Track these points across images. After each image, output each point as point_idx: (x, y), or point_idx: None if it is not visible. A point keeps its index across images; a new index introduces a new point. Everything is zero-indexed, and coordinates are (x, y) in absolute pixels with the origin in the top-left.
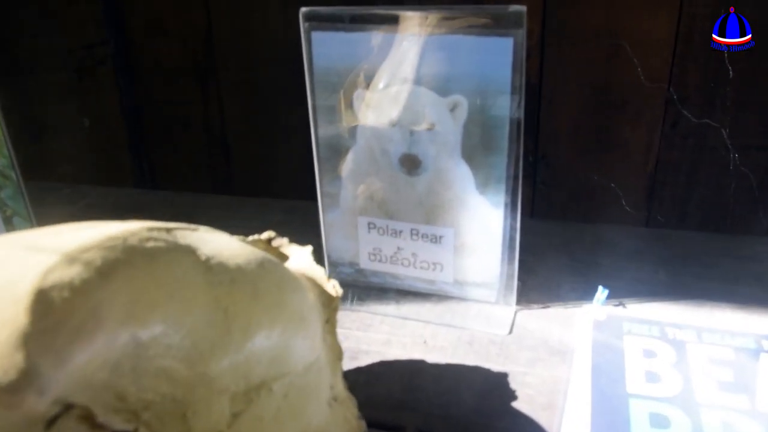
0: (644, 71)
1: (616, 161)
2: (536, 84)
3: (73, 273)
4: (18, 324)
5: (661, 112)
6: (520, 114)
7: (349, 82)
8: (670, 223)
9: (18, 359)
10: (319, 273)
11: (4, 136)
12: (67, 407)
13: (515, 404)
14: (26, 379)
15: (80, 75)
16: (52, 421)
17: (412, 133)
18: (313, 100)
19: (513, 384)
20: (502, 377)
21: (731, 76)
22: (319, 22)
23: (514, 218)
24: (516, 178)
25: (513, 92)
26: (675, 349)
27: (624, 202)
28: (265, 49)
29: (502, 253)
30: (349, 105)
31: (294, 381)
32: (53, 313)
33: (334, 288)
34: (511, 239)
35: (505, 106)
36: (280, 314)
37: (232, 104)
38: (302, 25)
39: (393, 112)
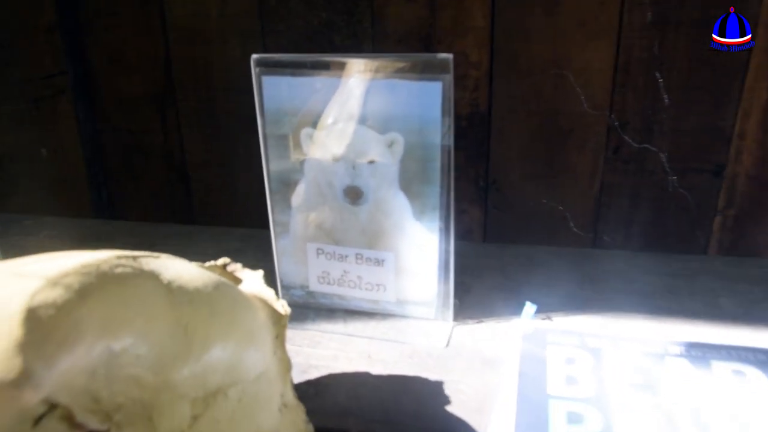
0: (587, 100)
1: (563, 185)
2: (486, 113)
3: (55, 294)
4: (13, 336)
5: (604, 138)
6: (451, 148)
7: (298, 121)
8: (615, 244)
9: (17, 363)
10: (269, 294)
11: None
12: (52, 407)
13: (450, 408)
14: (24, 378)
15: (38, 105)
16: (39, 419)
17: (354, 167)
18: (264, 137)
19: (448, 391)
20: (439, 385)
21: (667, 103)
22: (269, 67)
23: (447, 242)
24: (449, 206)
25: (443, 129)
26: (592, 355)
27: (572, 224)
28: (224, 78)
29: (439, 274)
30: (298, 142)
31: (246, 388)
32: (41, 327)
33: (282, 307)
34: (446, 261)
35: (437, 143)
36: (233, 330)
37: (191, 134)
38: (253, 70)
39: (337, 149)
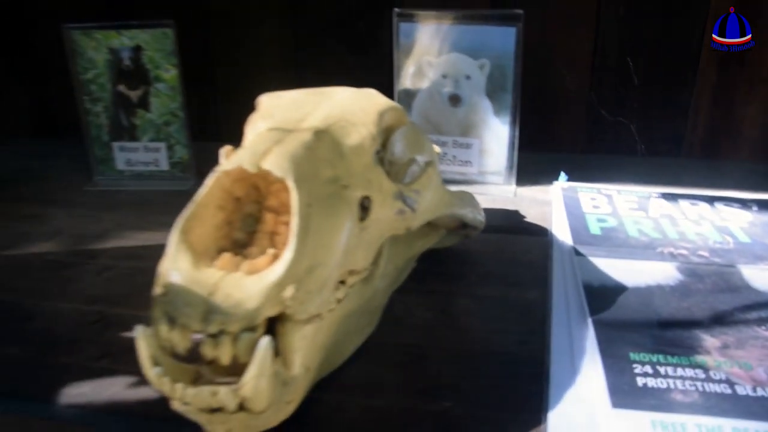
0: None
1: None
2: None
3: (394, 106)
4: (379, 107)
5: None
6: (518, 71)
7: (420, 52)
8: None
9: (380, 123)
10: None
11: (179, 85)
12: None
13: (525, 221)
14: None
15: None
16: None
17: (457, 80)
18: (398, 65)
19: (520, 214)
20: (515, 212)
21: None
22: (405, 17)
23: (514, 132)
24: (516, 108)
25: (515, 58)
26: (606, 197)
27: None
28: None
29: (508, 153)
30: (420, 66)
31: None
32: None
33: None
34: (513, 144)
35: (511, 65)
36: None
37: None
38: (394, 19)
39: (445, 69)
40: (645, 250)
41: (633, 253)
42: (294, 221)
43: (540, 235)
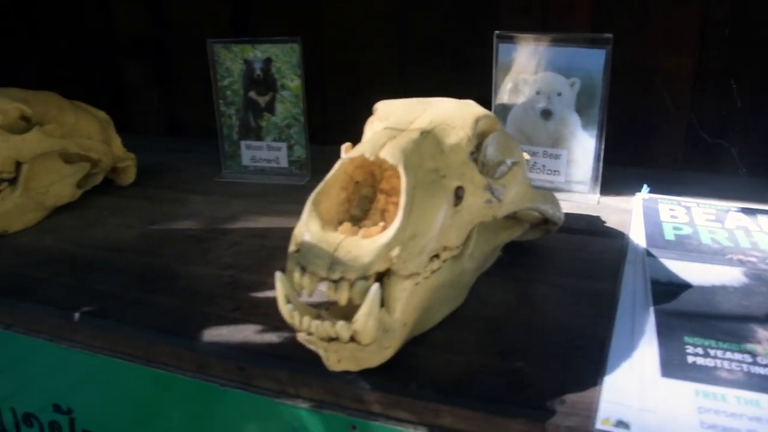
0: None
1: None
2: None
3: (488, 115)
4: (475, 114)
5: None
6: (606, 89)
7: (516, 71)
8: None
9: (475, 127)
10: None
11: (302, 94)
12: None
13: (606, 225)
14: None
15: None
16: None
17: (549, 97)
18: (496, 83)
19: (601, 220)
20: (597, 218)
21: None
22: (504, 39)
23: (600, 145)
24: (603, 123)
25: (603, 78)
26: (685, 208)
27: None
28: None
29: (594, 164)
30: (516, 83)
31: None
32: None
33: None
34: (598, 156)
35: (599, 85)
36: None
37: None
38: (495, 40)
39: (539, 86)
40: (715, 255)
41: (703, 258)
42: (402, 199)
43: (617, 238)
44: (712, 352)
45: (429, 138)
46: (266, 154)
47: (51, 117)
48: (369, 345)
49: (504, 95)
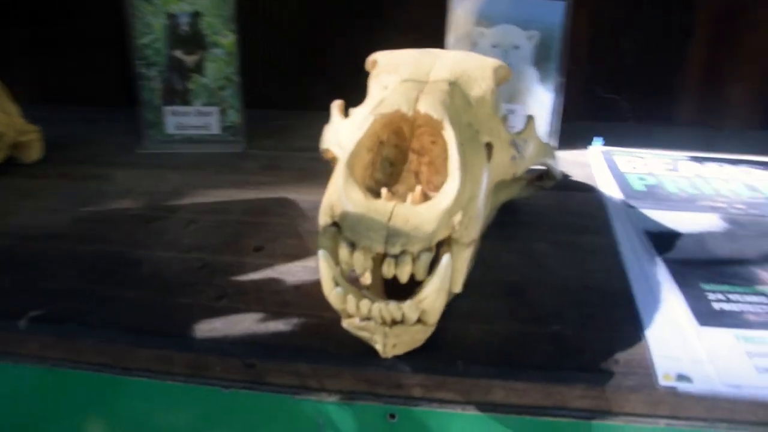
0: None
1: None
2: None
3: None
4: (492, 65)
5: None
6: (566, 43)
7: (474, 22)
8: None
9: (493, 77)
10: None
11: (237, 52)
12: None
13: (571, 180)
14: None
15: None
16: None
17: (506, 50)
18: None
19: (569, 171)
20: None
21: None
22: None
23: (558, 99)
24: (560, 77)
25: (562, 32)
26: (640, 159)
27: None
28: None
29: (552, 120)
30: (471, 39)
31: None
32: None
33: None
34: (556, 110)
35: (557, 38)
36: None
37: None
38: None
39: (495, 40)
40: (687, 203)
41: (677, 206)
42: (454, 157)
43: (589, 191)
44: (731, 296)
45: (457, 90)
46: (195, 120)
47: None
48: (433, 325)
49: (459, 49)
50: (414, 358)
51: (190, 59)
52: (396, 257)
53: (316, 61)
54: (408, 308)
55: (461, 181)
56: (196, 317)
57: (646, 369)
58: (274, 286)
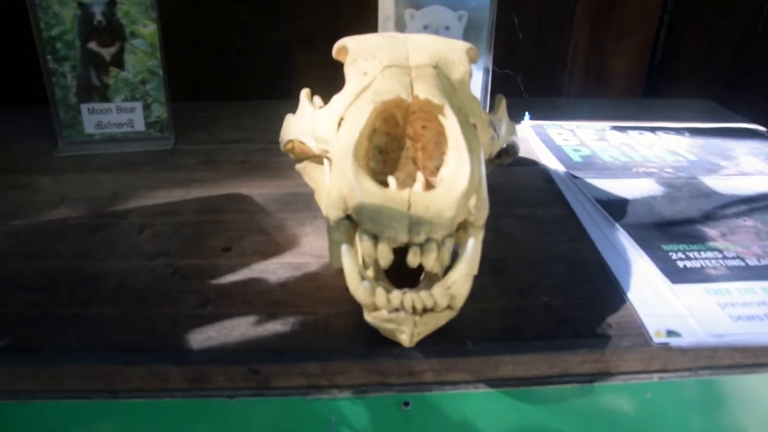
0: None
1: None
2: None
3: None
4: (464, 46)
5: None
6: (492, 20)
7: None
8: None
9: (467, 59)
10: None
11: (159, 43)
12: None
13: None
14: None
15: None
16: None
17: (436, 31)
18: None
19: None
20: None
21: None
22: None
23: (487, 77)
24: (489, 55)
25: (490, 12)
26: (569, 131)
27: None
28: None
29: (481, 94)
30: (402, 18)
31: None
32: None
33: None
34: (486, 87)
35: (486, 17)
36: None
37: None
38: None
39: (426, 20)
40: (623, 170)
41: (616, 174)
42: (459, 141)
43: (532, 165)
44: (690, 255)
45: (441, 75)
46: (116, 117)
47: None
48: (457, 310)
49: (389, 31)
50: (421, 343)
51: (107, 52)
52: (420, 246)
53: (229, 51)
54: (439, 295)
55: (471, 165)
56: (185, 327)
57: (637, 329)
58: (257, 286)
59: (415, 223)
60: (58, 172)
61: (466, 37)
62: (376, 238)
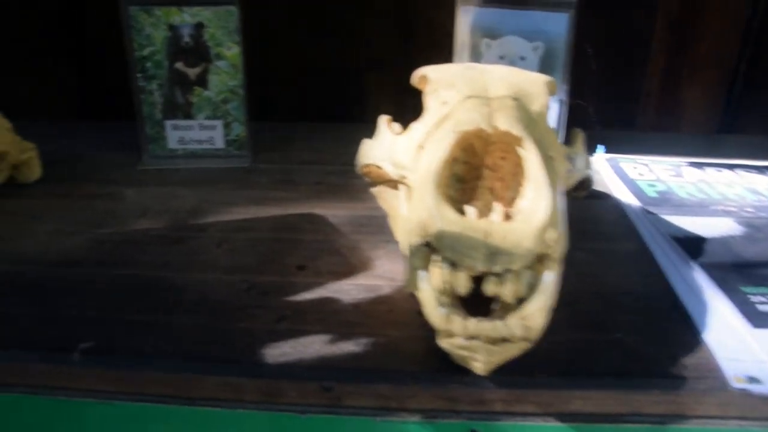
0: None
1: None
2: None
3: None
4: (543, 79)
5: None
6: (569, 52)
7: (480, 35)
8: None
9: (547, 92)
10: None
11: (241, 64)
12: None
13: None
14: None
15: None
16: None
17: (512, 61)
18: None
19: None
20: None
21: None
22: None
23: (563, 110)
24: (567, 85)
25: (566, 43)
26: (644, 165)
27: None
28: None
29: (558, 127)
30: (479, 48)
31: None
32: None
33: None
34: (561, 117)
35: (562, 50)
36: None
37: None
38: (457, 3)
39: (503, 51)
40: (701, 208)
41: (693, 211)
42: (538, 173)
43: (605, 199)
44: None
45: (521, 107)
46: (198, 134)
47: None
48: (534, 341)
49: (466, 61)
50: (492, 372)
51: (192, 72)
52: (498, 275)
53: (313, 71)
54: (515, 326)
55: (551, 197)
56: (261, 341)
57: (714, 372)
58: (331, 306)
59: (493, 253)
60: (141, 185)
61: (541, 68)
62: (454, 265)
